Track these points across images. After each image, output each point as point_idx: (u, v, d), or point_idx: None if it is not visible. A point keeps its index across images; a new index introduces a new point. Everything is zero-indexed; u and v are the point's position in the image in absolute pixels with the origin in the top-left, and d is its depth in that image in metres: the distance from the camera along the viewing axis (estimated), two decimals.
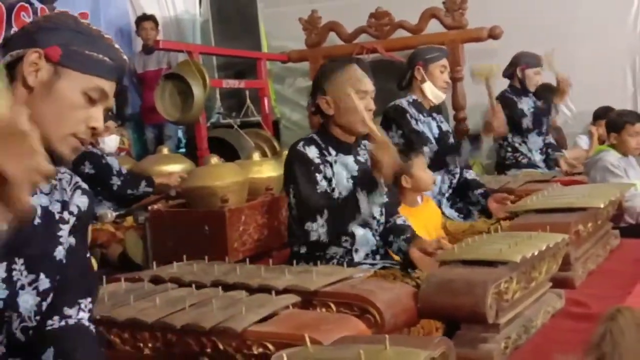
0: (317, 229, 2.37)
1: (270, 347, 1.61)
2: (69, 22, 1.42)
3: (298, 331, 1.58)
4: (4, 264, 1.36)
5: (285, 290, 1.92)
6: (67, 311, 1.48)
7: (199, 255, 2.49)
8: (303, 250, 2.51)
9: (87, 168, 3.90)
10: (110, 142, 4.40)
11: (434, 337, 1.74)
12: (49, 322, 1.45)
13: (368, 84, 2.53)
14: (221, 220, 3.44)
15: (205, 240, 3.42)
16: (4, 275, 1.36)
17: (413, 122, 3.51)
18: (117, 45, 1.47)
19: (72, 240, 1.50)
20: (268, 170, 4.03)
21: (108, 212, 3.14)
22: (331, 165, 2.51)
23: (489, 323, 1.83)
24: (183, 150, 6.45)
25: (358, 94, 2.48)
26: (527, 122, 4.91)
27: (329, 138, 2.56)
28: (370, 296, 1.86)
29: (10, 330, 1.40)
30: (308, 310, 1.89)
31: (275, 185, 3.97)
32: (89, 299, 1.53)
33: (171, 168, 4.59)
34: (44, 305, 1.44)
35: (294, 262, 2.53)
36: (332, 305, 1.90)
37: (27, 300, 1.41)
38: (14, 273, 1.38)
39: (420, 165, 3.12)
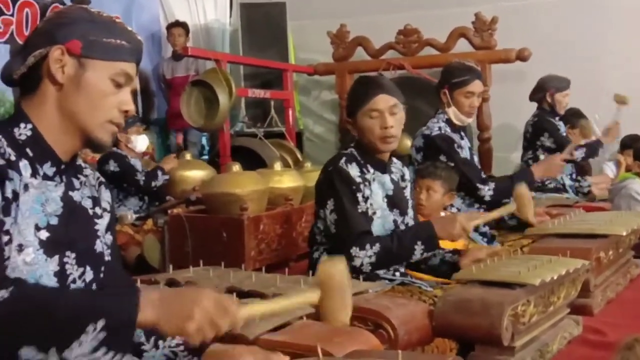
0: (364, 257, 2.35)
1: None
2: (82, 13, 1.44)
3: (311, 342, 1.57)
4: (56, 257, 1.39)
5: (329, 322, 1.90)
6: None
7: (216, 262, 2.49)
8: (324, 257, 2.50)
9: (112, 166, 4.18)
10: (142, 141, 4.49)
11: (448, 355, 1.73)
12: None
13: (379, 102, 2.49)
14: (239, 228, 3.45)
15: (222, 247, 3.43)
16: (56, 268, 1.39)
17: (459, 150, 3.46)
18: (130, 28, 1.49)
19: (110, 237, 1.56)
20: (289, 180, 4.04)
21: (128, 214, 3.17)
22: (369, 184, 2.49)
23: (504, 345, 1.81)
24: (206, 157, 6.48)
25: (371, 112, 2.48)
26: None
27: (366, 154, 2.55)
28: (385, 311, 1.84)
29: None
30: (321, 322, 1.87)
31: (295, 196, 3.97)
32: None
33: (193, 174, 4.64)
34: None
35: (313, 269, 2.52)
36: None
37: None
38: (66, 267, 1.41)
39: (437, 189, 3.11)
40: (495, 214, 2.67)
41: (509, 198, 3.48)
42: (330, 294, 1.36)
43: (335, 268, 1.36)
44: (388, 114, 2.48)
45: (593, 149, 4.93)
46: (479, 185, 3.42)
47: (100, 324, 1.20)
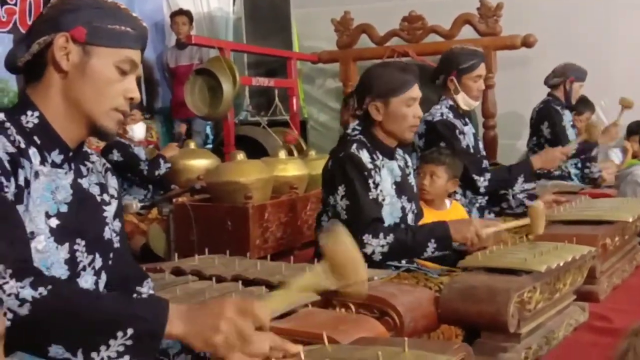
0: (376, 246, 2.34)
1: None
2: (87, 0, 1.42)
3: (316, 329, 1.56)
4: (67, 245, 1.39)
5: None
6: (140, 289, 1.57)
7: (221, 250, 2.50)
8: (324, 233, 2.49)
9: (116, 156, 4.17)
10: (138, 130, 4.47)
11: (454, 342, 1.72)
12: None
13: (415, 91, 2.51)
14: (244, 216, 3.45)
15: (227, 235, 3.44)
16: (67, 256, 1.39)
17: (461, 137, 3.43)
18: (134, 14, 1.47)
19: (118, 223, 1.56)
20: (293, 169, 4.03)
21: (133, 203, 3.16)
22: (379, 170, 2.48)
23: (510, 332, 1.81)
24: (210, 146, 6.48)
25: (409, 100, 2.48)
26: (570, 137, 4.84)
27: (374, 141, 2.53)
28: (391, 299, 1.84)
29: None
30: (327, 309, 1.88)
31: (299, 184, 3.97)
32: (149, 279, 1.61)
33: (197, 163, 4.64)
34: (100, 283, 1.48)
35: (319, 256, 2.51)
36: (352, 306, 1.88)
37: (87, 280, 1.44)
38: (77, 254, 1.41)
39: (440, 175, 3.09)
40: (509, 225, 2.64)
41: (507, 189, 3.50)
42: (341, 270, 1.34)
43: (339, 242, 1.35)
44: (418, 103, 2.50)
45: (587, 148, 4.89)
46: (475, 176, 3.40)
47: (129, 331, 1.20)
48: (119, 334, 1.20)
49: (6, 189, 1.28)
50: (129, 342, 1.20)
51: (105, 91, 1.41)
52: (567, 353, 1.97)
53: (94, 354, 1.20)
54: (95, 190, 1.50)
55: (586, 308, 2.23)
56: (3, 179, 1.28)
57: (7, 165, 1.29)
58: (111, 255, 1.52)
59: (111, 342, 1.20)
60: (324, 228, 2.52)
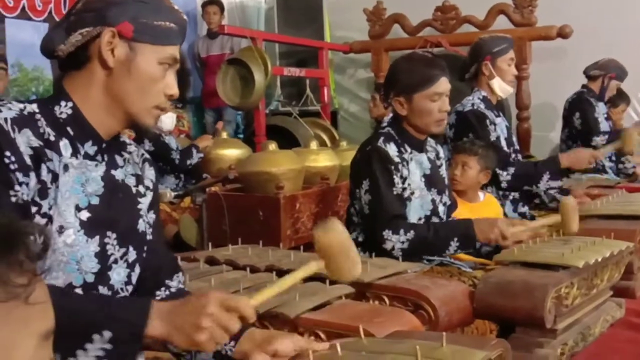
0: (396, 242, 2.31)
1: (322, 335, 1.60)
2: None
3: (351, 322, 1.56)
4: (97, 238, 1.37)
5: (339, 281, 1.91)
6: (169, 283, 1.54)
7: (253, 240, 2.50)
8: (361, 238, 2.48)
9: (147, 145, 4.17)
10: (167, 120, 4.48)
11: (491, 337, 1.71)
12: (157, 292, 1.51)
13: (442, 85, 2.45)
14: (275, 207, 3.46)
15: (259, 225, 3.45)
16: (97, 249, 1.37)
17: (492, 128, 3.38)
18: (176, 6, 1.43)
19: (153, 215, 1.53)
20: (325, 159, 4.03)
21: (167, 192, 3.18)
22: (407, 163, 2.45)
23: (547, 328, 1.79)
24: (241, 135, 6.50)
25: (434, 95, 2.44)
26: (602, 128, 4.76)
27: (403, 134, 2.50)
28: (425, 292, 1.83)
29: None
30: (361, 301, 1.87)
31: (331, 174, 3.97)
32: (181, 273, 1.59)
33: (229, 152, 4.66)
34: (133, 275, 1.46)
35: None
36: (386, 299, 1.87)
37: (119, 273, 1.42)
38: (107, 247, 1.39)
39: (472, 165, 3.05)
40: (538, 223, 2.59)
41: (531, 186, 3.43)
42: (333, 259, 1.34)
43: (331, 233, 1.33)
44: (446, 96, 2.46)
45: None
46: (498, 170, 3.34)
47: (107, 334, 1.18)
48: (95, 337, 1.18)
49: (17, 187, 1.25)
50: (107, 346, 1.19)
51: (149, 89, 1.38)
52: (603, 349, 1.94)
53: None
54: (131, 181, 1.47)
55: (623, 304, 2.20)
56: (19, 176, 1.25)
57: (27, 160, 1.26)
58: (145, 247, 1.49)
59: (88, 345, 1.18)
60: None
